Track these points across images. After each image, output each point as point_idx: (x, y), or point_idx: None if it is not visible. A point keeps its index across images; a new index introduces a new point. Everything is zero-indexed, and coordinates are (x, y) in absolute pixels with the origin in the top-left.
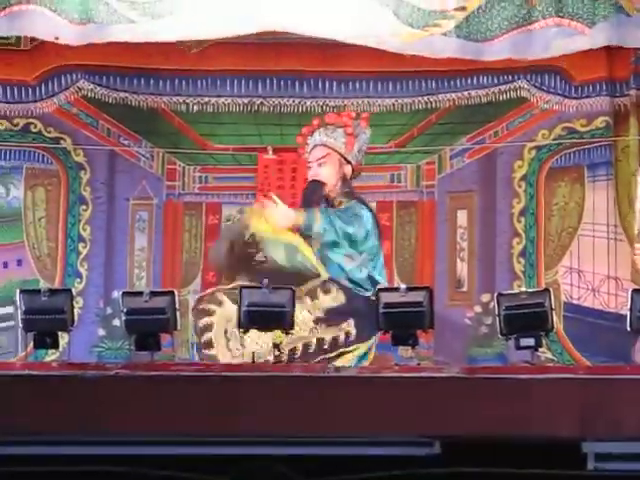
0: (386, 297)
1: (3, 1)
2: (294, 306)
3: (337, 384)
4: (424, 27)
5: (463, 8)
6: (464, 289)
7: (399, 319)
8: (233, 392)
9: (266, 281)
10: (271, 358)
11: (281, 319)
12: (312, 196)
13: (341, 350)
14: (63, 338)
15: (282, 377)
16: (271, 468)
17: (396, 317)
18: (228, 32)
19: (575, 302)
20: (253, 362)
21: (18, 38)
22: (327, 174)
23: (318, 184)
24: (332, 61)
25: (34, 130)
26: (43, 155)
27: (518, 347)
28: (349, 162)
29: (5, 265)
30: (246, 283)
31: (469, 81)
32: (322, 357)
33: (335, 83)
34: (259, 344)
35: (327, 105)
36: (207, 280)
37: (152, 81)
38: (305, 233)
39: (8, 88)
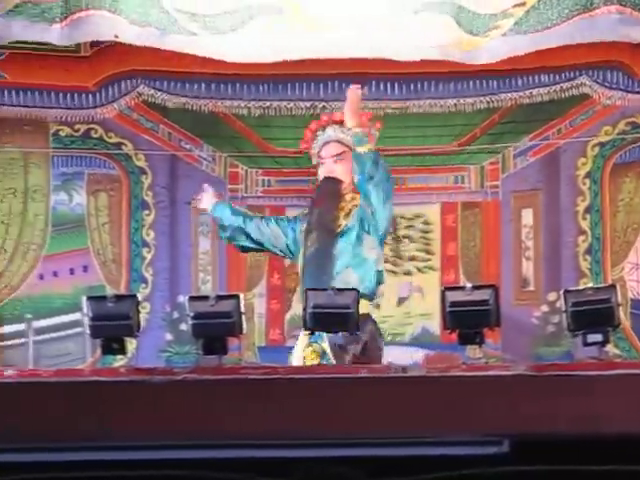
0: (452, 296)
1: (63, 11)
2: (358, 306)
3: (403, 384)
4: (485, 32)
5: (522, 4)
6: (530, 288)
7: (465, 318)
8: (300, 394)
9: (331, 285)
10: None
11: (346, 320)
12: (328, 193)
13: None
14: (131, 344)
15: (347, 379)
16: (335, 469)
17: (462, 316)
18: (291, 56)
19: None
20: (318, 364)
21: (78, 45)
22: (343, 171)
23: (335, 181)
24: (393, 63)
25: (95, 136)
26: (104, 160)
27: (585, 343)
28: None
29: (71, 272)
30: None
31: (530, 80)
32: None
33: (397, 85)
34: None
35: (389, 107)
36: (272, 283)
37: (213, 85)
38: None
39: (69, 95)
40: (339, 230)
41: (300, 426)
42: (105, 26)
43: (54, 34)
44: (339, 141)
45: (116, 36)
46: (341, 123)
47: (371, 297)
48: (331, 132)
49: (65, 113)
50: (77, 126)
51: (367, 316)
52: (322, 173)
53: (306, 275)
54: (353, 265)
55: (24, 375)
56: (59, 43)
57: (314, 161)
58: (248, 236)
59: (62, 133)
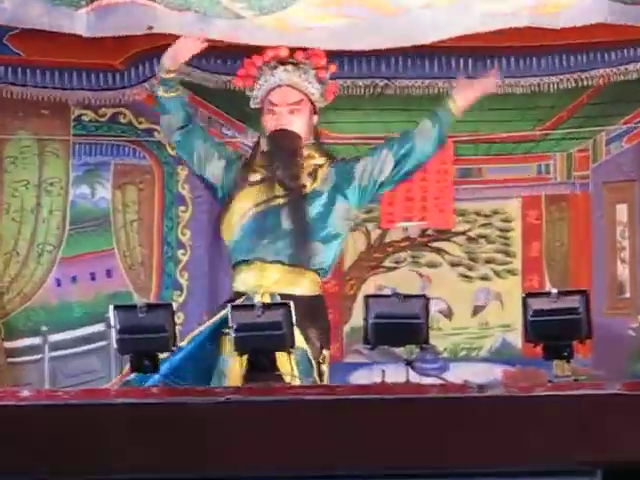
0: (535, 303)
1: None
2: (428, 317)
3: (481, 405)
4: None
5: None
6: (626, 295)
7: (551, 328)
8: (361, 417)
9: (394, 289)
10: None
11: (415, 332)
12: (286, 149)
13: None
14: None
15: (416, 399)
16: None
17: (547, 326)
18: (352, 44)
19: None
20: (383, 381)
21: None
22: (300, 125)
23: (292, 136)
24: (465, 36)
25: (123, 121)
26: (134, 149)
27: None
28: (316, 114)
29: (92, 277)
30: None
31: (625, 53)
32: None
33: (471, 61)
34: None
35: None
36: (327, 290)
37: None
38: None
39: (93, 74)
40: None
41: (362, 454)
42: (137, 15)
43: (79, 22)
44: (295, 87)
45: (150, 27)
46: (294, 63)
47: (326, 275)
48: (282, 74)
49: (88, 95)
50: (102, 110)
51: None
52: (272, 123)
53: (247, 234)
54: (320, 239)
55: (41, 397)
56: (86, 34)
57: (255, 104)
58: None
59: (85, 118)
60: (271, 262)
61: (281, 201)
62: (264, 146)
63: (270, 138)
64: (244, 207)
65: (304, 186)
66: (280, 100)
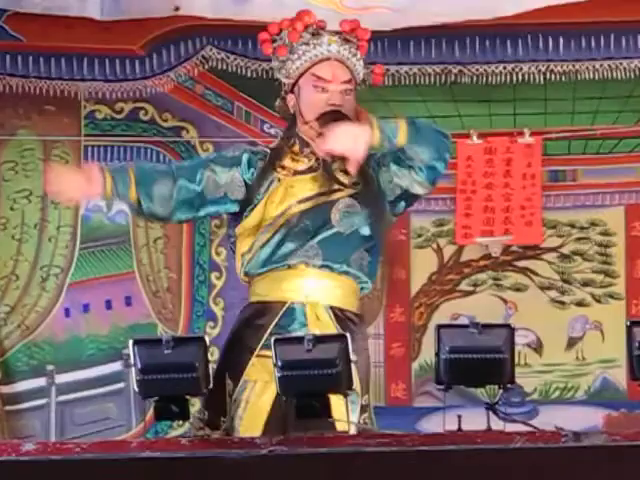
0: None
1: None
2: (513, 351)
3: (577, 457)
4: None
5: None
6: None
7: None
8: (434, 472)
9: (473, 317)
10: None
11: (498, 369)
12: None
13: None
14: (194, 405)
15: (500, 450)
16: None
17: None
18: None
19: None
20: (459, 429)
21: None
22: (351, 111)
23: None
24: (554, 10)
25: (144, 118)
26: (157, 151)
27: None
28: None
29: (108, 305)
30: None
31: None
32: None
33: (562, 40)
34: None
35: (552, 72)
36: (393, 319)
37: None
38: None
39: (107, 61)
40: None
41: None
42: None
43: (92, 4)
44: (344, 62)
45: (177, 8)
46: (341, 35)
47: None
48: (333, 47)
49: (103, 87)
50: (119, 105)
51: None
52: (322, 102)
53: (291, 233)
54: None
55: (47, 451)
56: (99, 17)
57: (289, 76)
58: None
59: (99, 114)
60: (320, 267)
61: (338, 196)
62: (310, 128)
63: (324, 118)
64: (287, 202)
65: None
66: (332, 76)
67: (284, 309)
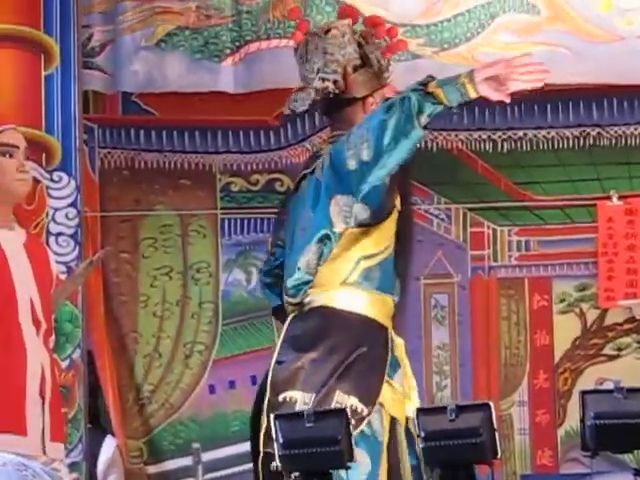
0: None
1: (235, 37)
2: None
3: None
4: None
5: None
6: None
7: None
8: None
9: (618, 382)
10: None
11: None
12: None
13: None
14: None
15: None
16: None
17: None
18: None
19: None
20: None
21: None
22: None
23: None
24: None
25: (281, 189)
26: None
27: None
28: None
29: (253, 381)
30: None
31: None
32: None
33: None
34: None
35: None
36: (537, 385)
37: None
38: None
39: (242, 133)
40: None
41: None
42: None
43: (225, 77)
44: None
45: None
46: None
47: None
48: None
49: (237, 159)
50: (255, 177)
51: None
52: None
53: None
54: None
55: None
56: (234, 91)
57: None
58: None
59: (234, 187)
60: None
61: None
62: None
63: None
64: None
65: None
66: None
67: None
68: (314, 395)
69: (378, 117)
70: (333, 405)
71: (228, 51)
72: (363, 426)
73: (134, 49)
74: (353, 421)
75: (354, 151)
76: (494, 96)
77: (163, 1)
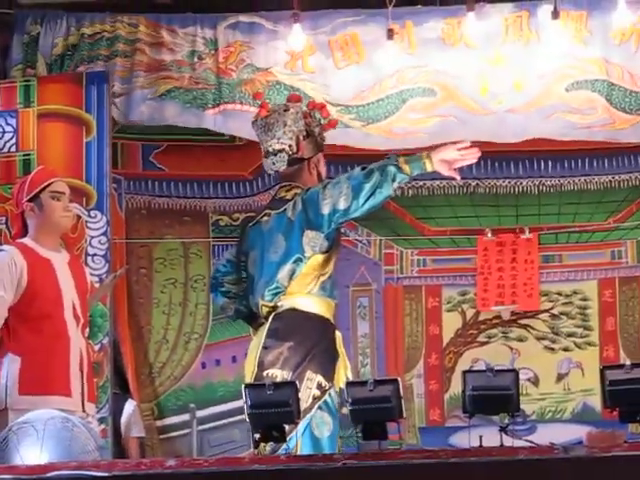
0: (611, 375)
1: (216, 98)
2: (518, 388)
3: (566, 465)
4: (637, 111)
5: None
6: None
7: (626, 396)
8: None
9: (489, 363)
10: None
11: (507, 402)
12: None
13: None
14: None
15: (508, 462)
16: None
17: (623, 394)
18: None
19: None
20: (480, 445)
21: (232, 135)
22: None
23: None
24: (545, 141)
25: None
26: None
27: None
28: None
29: (234, 359)
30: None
31: None
32: None
33: (550, 162)
34: None
35: (544, 185)
36: (430, 363)
37: None
38: None
39: (226, 184)
40: None
41: None
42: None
43: (207, 121)
44: None
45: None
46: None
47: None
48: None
49: (223, 203)
50: (236, 215)
51: None
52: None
53: None
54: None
55: (183, 465)
56: (214, 128)
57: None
58: None
59: (221, 222)
60: None
61: None
62: None
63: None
64: None
65: None
66: None
67: None
68: (291, 373)
69: (359, 179)
70: (305, 381)
71: (210, 105)
72: (326, 396)
73: (142, 98)
74: (319, 392)
75: (330, 200)
76: (446, 173)
77: (165, 71)
